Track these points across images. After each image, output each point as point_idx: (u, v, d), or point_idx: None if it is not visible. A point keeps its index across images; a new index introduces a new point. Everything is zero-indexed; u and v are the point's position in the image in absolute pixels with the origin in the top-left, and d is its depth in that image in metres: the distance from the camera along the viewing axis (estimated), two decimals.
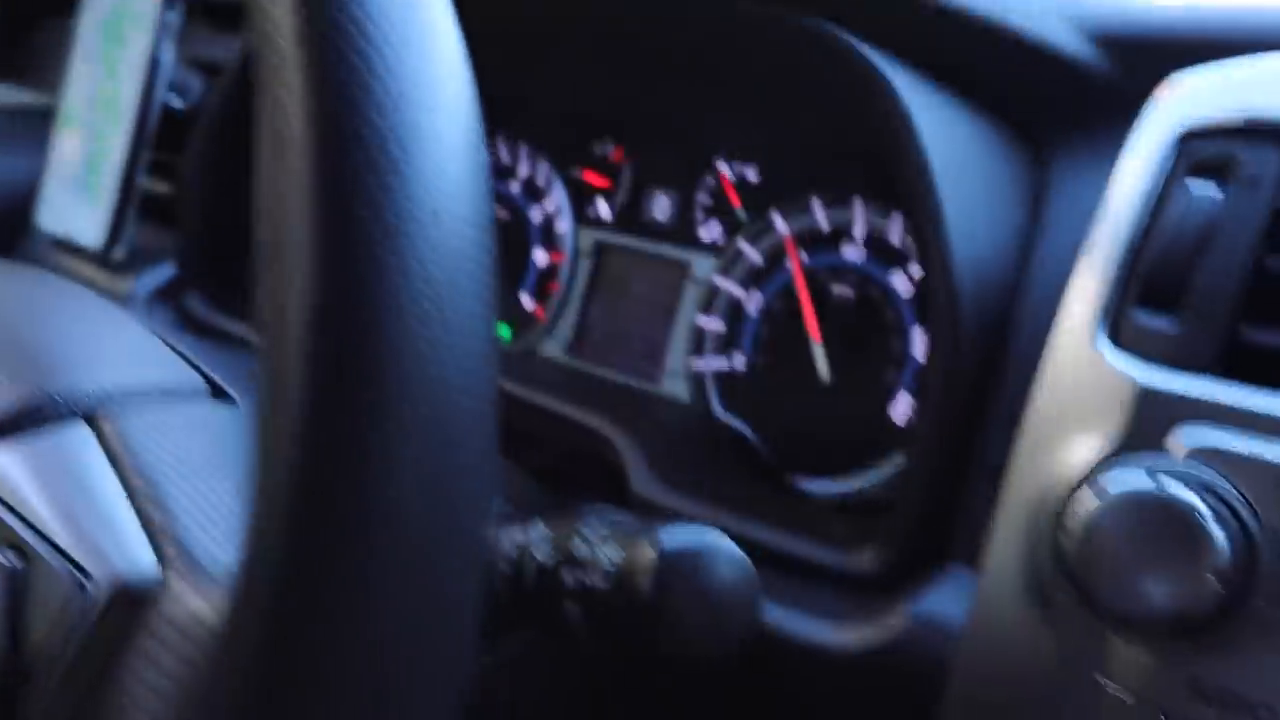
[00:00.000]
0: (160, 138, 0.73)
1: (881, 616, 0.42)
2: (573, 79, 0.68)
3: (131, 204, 0.72)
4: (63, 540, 0.28)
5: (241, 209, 0.71)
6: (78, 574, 0.26)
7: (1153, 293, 0.34)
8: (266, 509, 0.23)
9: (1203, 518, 0.28)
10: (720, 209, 0.62)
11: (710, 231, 0.62)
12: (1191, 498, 0.28)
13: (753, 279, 0.60)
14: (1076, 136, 0.46)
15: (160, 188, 0.74)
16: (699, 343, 0.61)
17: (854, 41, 0.46)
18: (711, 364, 0.60)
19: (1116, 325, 0.35)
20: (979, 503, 0.39)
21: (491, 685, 0.44)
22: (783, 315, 0.59)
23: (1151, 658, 0.30)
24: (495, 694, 0.45)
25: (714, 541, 0.34)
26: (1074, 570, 0.30)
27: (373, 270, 0.23)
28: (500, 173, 0.70)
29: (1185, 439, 0.31)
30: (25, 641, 0.27)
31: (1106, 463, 0.32)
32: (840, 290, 0.57)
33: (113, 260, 0.70)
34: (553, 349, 0.65)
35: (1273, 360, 0.32)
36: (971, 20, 0.47)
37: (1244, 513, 0.30)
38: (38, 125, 0.83)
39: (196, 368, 0.37)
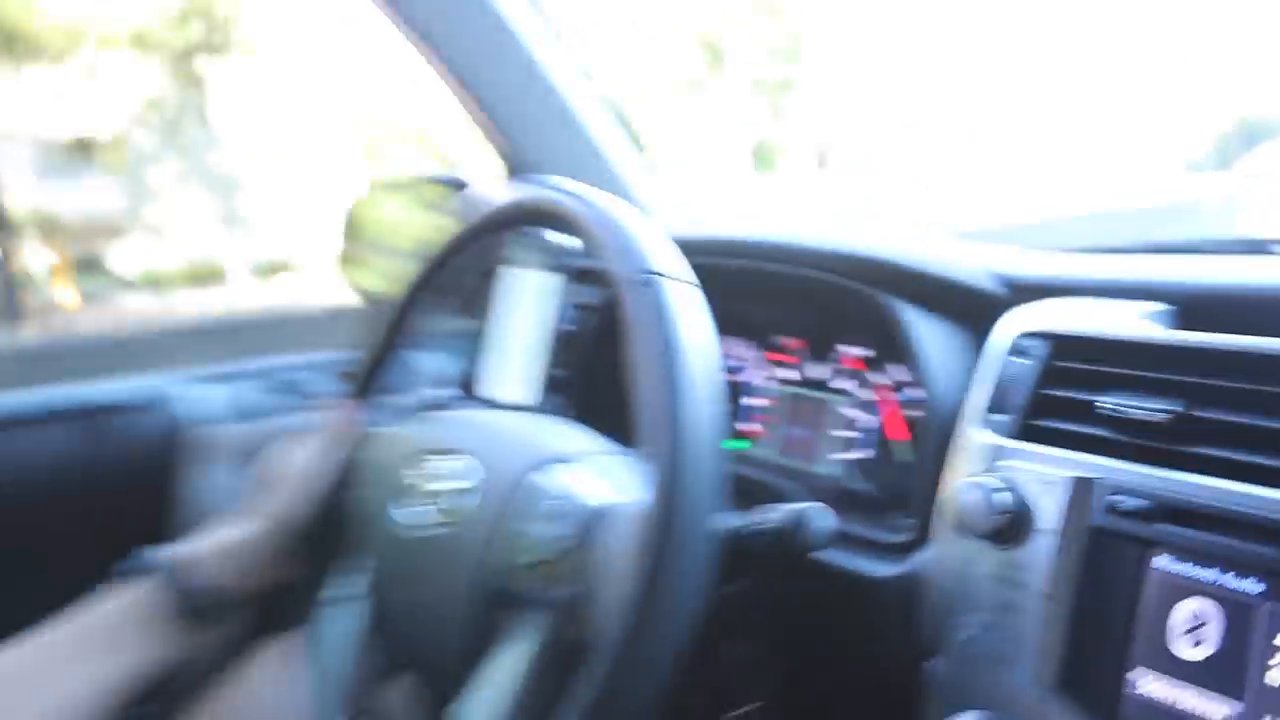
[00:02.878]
0: (559, 344, 0.98)
1: (905, 563, 0.70)
2: (767, 310, 0.96)
3: (544, 384, 0.95)
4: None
5: (605, 387, 0.91)
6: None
7: (997, 404, 0.66)
8: (653, 519, 0.51)
9: (988, 492, 0.59)
10: (848, 371, 0.89)
11: (844, 383, 0.89)
12: (996, 483, 0.59)
13: (865, 409, 0.87)
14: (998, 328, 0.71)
15: (560, 371, 0.99)
16: (842, 445, 0.88)
17: (876, 292, 0.77)
18: (847, 455, 0.87)
19: (982, 419, 0.66)
20: None
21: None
22: (883, 428, 0.85)
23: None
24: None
25: (819, 509, 0.60)
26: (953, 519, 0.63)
27: (688, 476, 0.51)
28: (728, 354, 0.98)
29: (1001, 467, 0.62)
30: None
31: (972, 478, 0.62)
32: (915, 412, 0.82)
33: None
34: (769, 452, 0.94)
35: (1051, 434, 0.62)
36: (934, 276, 0.78)
37: (1020, 494, 0.60)
38: (470, 339, 1.06)
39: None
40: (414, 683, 0.74)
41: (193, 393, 1.10)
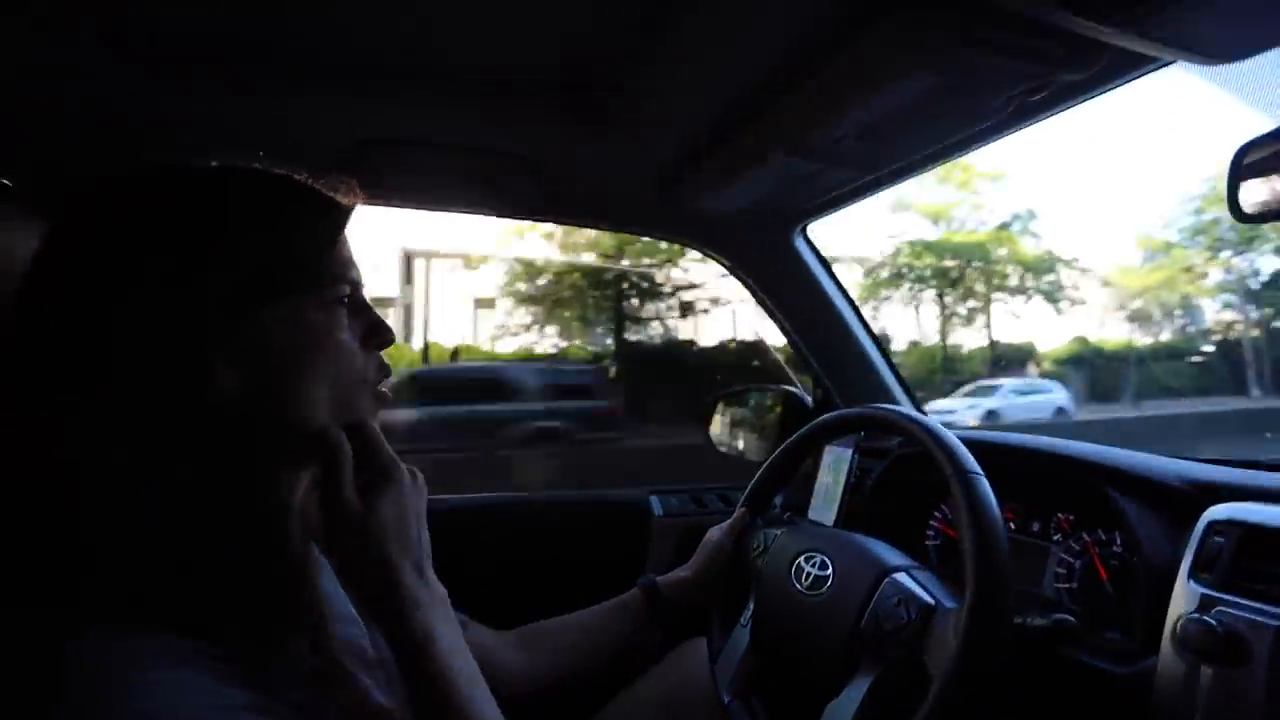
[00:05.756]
0: (854, 489, 0.94)
1: (1132, 666, 0.61)
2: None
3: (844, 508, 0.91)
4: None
5: (874, 519, 0.92)
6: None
7: (1202, 566, 0.60)
8: (974, 612, 0.55)
9: (1209, 626, 0.55)
10: (1060, 530, 0.80)
11: (1060, 538, 0.79)
12: (1213, 621, 0.56)
13: (1075, 555, 0.77)
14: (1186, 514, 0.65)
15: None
16: (1058, 576, 0.78)
17: (1103, 485, 0.72)
18: (1061, 585, 0.77)
19: (1190, 576, 0.61)
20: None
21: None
22: (1088, 571, 0.75)
23: None
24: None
25: (1069, 619, 0.60)
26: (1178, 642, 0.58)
27: (1001, 575, 0.55)
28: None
29: (1215, 612, 0.57)
30: None
31: (1194, 615, 0.59)
32: (1112, 562, 0.73)
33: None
34: None
35: (1248, 591, 0.56)
36: (1143, 478, 0.71)
37: (1234, 630, 0.55)
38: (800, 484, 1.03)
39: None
40: (784, 682, 0.74)
41: (655, 499, 1.20)
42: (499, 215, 0.91)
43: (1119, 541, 0.74)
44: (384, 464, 0.46)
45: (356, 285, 0.48)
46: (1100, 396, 10.29)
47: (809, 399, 1.26)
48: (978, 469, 0.62)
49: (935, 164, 0.80)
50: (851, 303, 1.17)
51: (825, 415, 0.86)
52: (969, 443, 0.67)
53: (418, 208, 0.86)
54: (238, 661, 0.36)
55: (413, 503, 0.46)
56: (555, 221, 0.94)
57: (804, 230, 1.10)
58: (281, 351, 0.42)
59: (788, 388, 1.25)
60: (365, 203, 0.50)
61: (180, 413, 0.39)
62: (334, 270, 0.46)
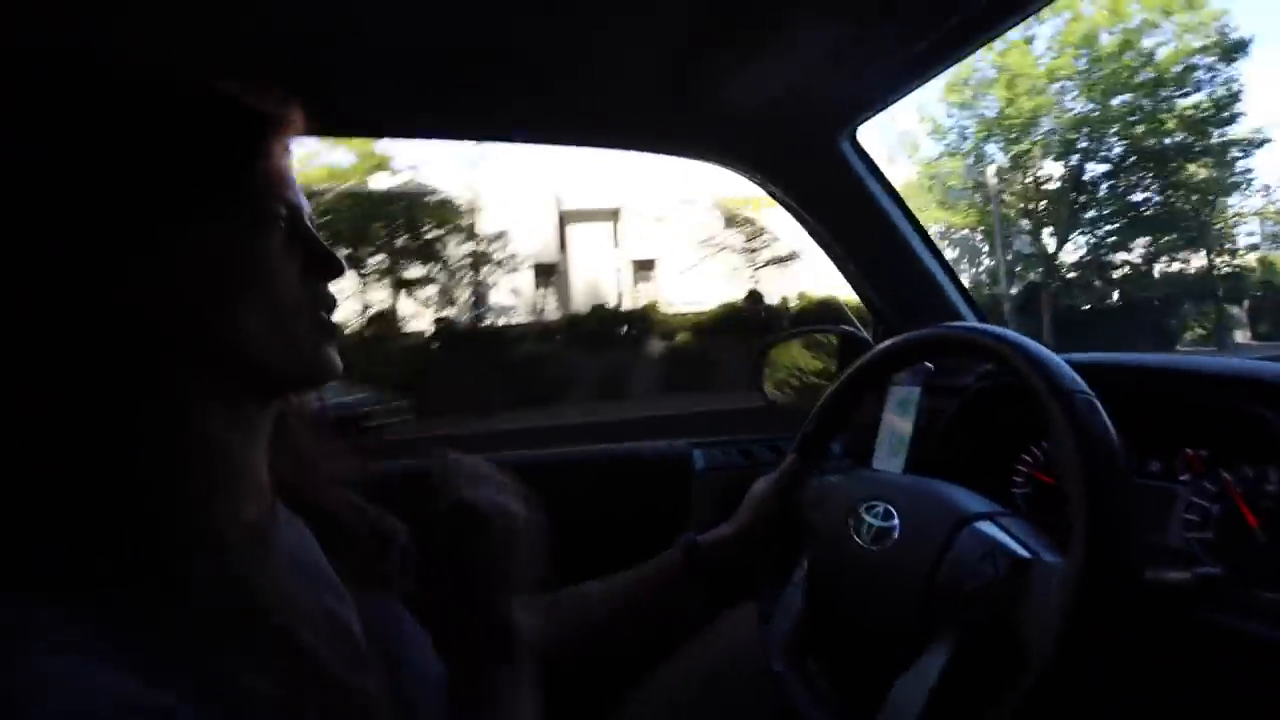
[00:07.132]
0: (925, 433, 0.88)
1: None
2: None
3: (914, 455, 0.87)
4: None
5: (944, 464, 0.79)
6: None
7: None
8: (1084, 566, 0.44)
9: None
10: (1189, 469, 0.67)
11: (1188, 479, 0.67)
12: None
13: (1211, 499, 0.64)
14: None
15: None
16: (1189, 524, 0.65)
17: (1260, 408, 0.60)
18: (1193, 535, 0.64)
19: None
20: None
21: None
22: (1230, 517, 0.63)
23: None
24: None
25: (1212, 570, 0.51)
26: None
27: (1123, 516, 0.43)
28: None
29: None
30: None
31: None
32: (1264, 503, 0.61)
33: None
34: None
35: None
36: None
37: None
38: (859, 429, 0.97)
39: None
40: (845, 648, 0.66)
41: (698, 452, 1.12)
42: (480, 139, 0.80)
43: (1272, 479, 0.61)
44: (472, 502, 0.47)
45: (296, 209, 0.45)
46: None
47: (869, 336, 1.14)
48: (1085, 388, 0.50)
49: (1020, 15, 0.63)
50: (911, 216, 1.03)
51: (887, 341, 0.74)
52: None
53: (378, 135, 0.75)
54: (163, 648, 0.31)
55: (511, 543, 0.47)
56: (549, 143, 0.82)
57: (853, 134, 0.95)
58: (196, 276, 0.40)
59: (845, 327, 1.14)
60: (310, 124, 0.45)
61: (74, 337, 0.36)
62: (260, 190, 0.43)
